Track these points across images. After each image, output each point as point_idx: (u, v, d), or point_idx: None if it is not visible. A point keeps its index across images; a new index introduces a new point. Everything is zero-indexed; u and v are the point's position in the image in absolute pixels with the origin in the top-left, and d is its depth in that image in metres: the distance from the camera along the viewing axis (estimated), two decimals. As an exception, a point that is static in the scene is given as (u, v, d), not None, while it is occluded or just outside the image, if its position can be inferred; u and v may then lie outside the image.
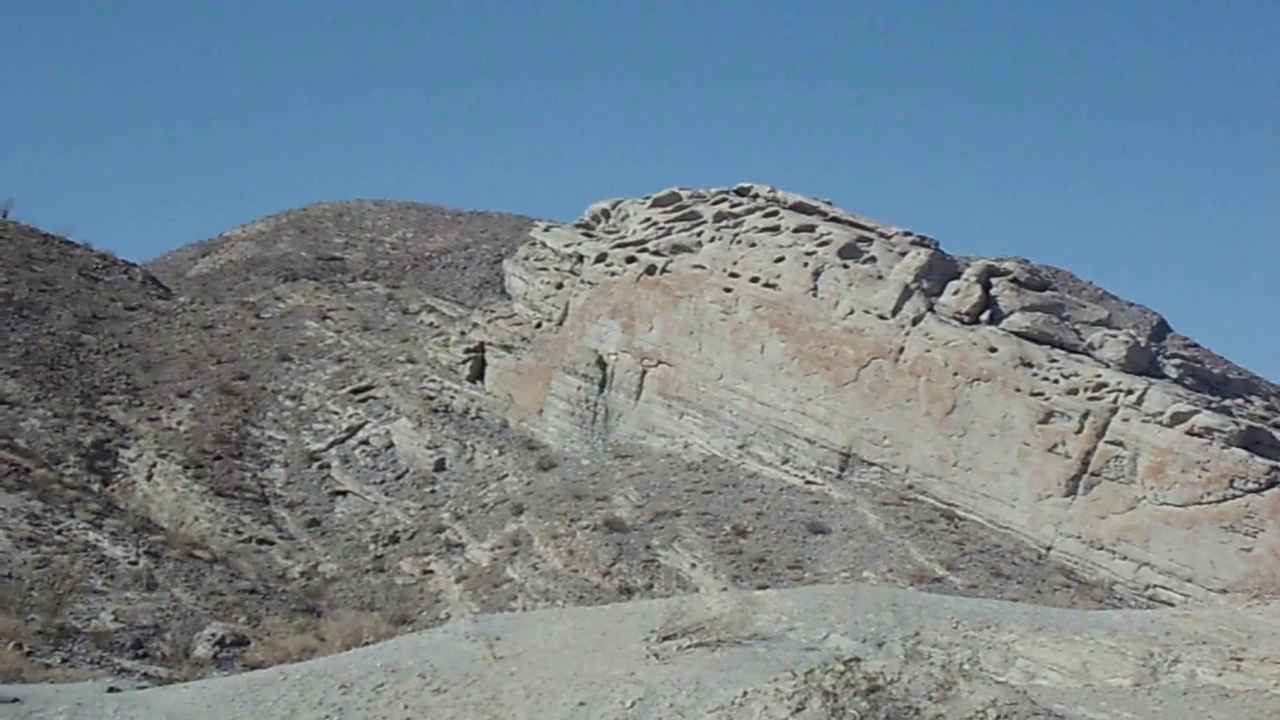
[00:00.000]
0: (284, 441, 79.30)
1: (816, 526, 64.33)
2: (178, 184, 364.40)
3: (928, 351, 68.72)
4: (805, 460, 70.56)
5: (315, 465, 77.61)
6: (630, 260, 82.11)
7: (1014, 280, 72.92)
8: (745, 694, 21.53)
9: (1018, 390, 65.77)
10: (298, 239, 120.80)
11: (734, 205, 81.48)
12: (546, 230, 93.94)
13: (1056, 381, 65.47)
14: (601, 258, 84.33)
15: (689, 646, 26.92)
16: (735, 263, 77.12)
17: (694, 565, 61.65)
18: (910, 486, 67.53)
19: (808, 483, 69.23)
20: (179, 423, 78.72)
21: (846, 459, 69.60)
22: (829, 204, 79.06)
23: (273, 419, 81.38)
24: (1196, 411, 62.38)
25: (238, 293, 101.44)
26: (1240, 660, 26.73)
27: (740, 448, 72.92)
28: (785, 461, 71.09)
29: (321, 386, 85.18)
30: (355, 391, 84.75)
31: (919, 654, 25.87)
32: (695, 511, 66.44)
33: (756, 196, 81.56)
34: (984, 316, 70.55)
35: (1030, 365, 66.36)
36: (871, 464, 68.95)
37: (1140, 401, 63.39)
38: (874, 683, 20.49)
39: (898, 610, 30.00)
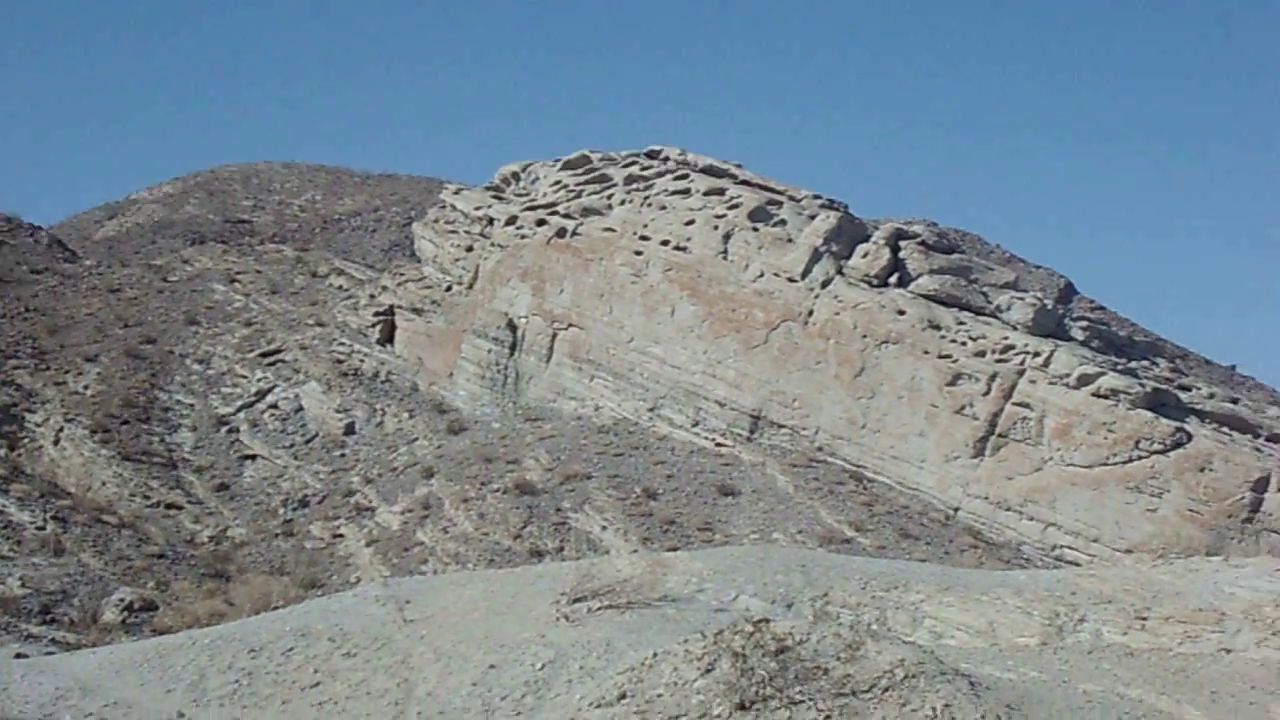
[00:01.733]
0: (192, 405, 78.67)
1: (726, 488, 64.54)
2: (84, 147, 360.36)
3: (837, 314, 69.01)
4: (715, 423, 70.74)
5: (224, 429, 77.03)
6: (540, 223, 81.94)
7: (922, 243, 73.28)
8: (655, 655, 21.62)
9: (926, 353, 66.17)
10: (205, 201, 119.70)
11: (644, 168, 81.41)
12: (456, 193, 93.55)
13: (964, 344, 65.91)
14: (512, 221, 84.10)
15: (599, 609, 26.96)
16: (645, 226, 77.11)
17: (604, 528, 61.72)
18: (819, 448, 67.86)
19: (718, 445, 69.41)
20: (86, 387, 77.89)
21: (756, 421, 69.84)
22: (739, 167, 79.15)
23: (180, 383, 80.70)
24: (1103, 373, 62.97)
25: (145, 256, 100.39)
26: (1145, 619, 27.04)
27: (651, 410, 73.01)
28: (695, 424, 71.26)
29: (230, 350, 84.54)
30: (264, 355, 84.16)
31: (827, 614, 26.08)
32: (606, 474, 66.50)
33: (667, 160, 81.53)
34: (892, 279, 70.88)
35: (938, 328, 66.77)
36: (781, 426, 69.22)
37: (1047, 364, 63.92)
38: (783, 643, 20.62)
39: (806, 571, 30.16)
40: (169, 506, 68.10)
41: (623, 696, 20.78)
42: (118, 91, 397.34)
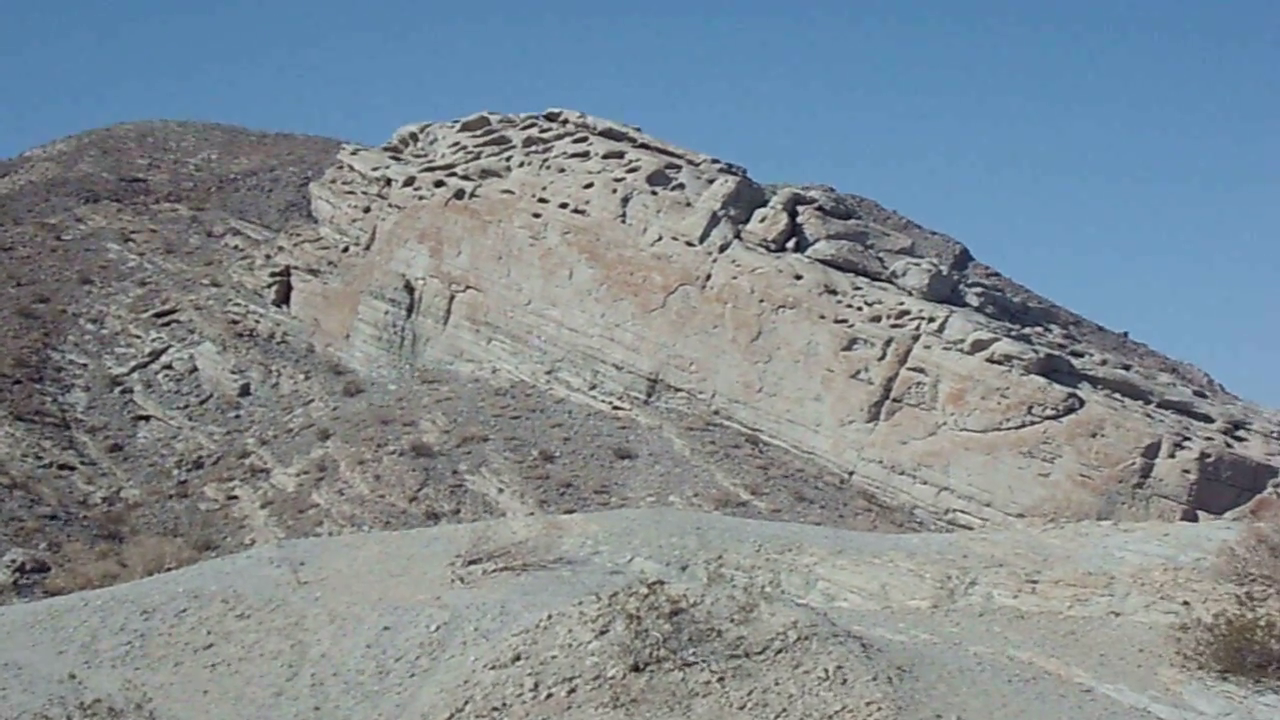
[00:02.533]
0: (85, 365, 78.01)
1: (623, 452, 64.76)
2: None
3: (734, 279, 69.23)
4: (612, 386, 70.89)
5: (117, 390, 76.45)
6: (439, 184, 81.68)
7: (819, 209, 73.66)
8: (550, 617, 21.65)
9: (822, 317, 66.52)
10: (100, 160, 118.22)
11: (543, 131, 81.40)
12: (354, 153, 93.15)
13: (860, 309, 66.34)
14: (410, 182, 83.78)
15: (494, 571, 26.97)
16: (544, 188, 77.05)
17: (501, 490, 61.78)
18: (716, 412, 68.14)
19: (615, 408, 69.58)
20: (-24, 346, 77.13)
21: (653, 385, 70.03)
22: (638, 130, 79.30)
23: (74, 343, 79.99)
24: (996, 339, 63.56)
25: (38, 214, 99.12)
26: (1035, 583, 27.31)
27: (548, 373, 73.05)
28: (593, 387, 71.37)
29: (124, 310, 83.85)
30: (158, 315, 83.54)
31: (721, 577, 26.18)
32: (503, 437, 66.54)
33: (566, 122, 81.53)
34: (790, 244, 71.22)
35: (835, 293, 67.14)
36: (678, 390, 69.44)
37: (941, 329, 64.45)
38: (677, 605, 20.69)
39: (701, 534, 30.25)
40: (62, 467, 67.54)
41: (517, 658, 20.80)
42: (10, 47, 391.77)
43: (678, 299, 70.47)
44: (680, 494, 60.56)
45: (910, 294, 67.63)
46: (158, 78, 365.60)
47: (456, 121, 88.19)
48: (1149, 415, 61.54)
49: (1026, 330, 69.05)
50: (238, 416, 74.94)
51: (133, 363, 78.79)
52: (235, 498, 65.30)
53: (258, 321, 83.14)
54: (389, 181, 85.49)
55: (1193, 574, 26.65)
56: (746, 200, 73.42)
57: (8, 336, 78.47)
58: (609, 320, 72.01)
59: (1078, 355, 67.29)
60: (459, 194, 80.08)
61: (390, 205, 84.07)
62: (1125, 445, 59.21)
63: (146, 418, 74.49)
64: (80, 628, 25.44)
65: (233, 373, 78.20)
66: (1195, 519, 53.29)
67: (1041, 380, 61.79)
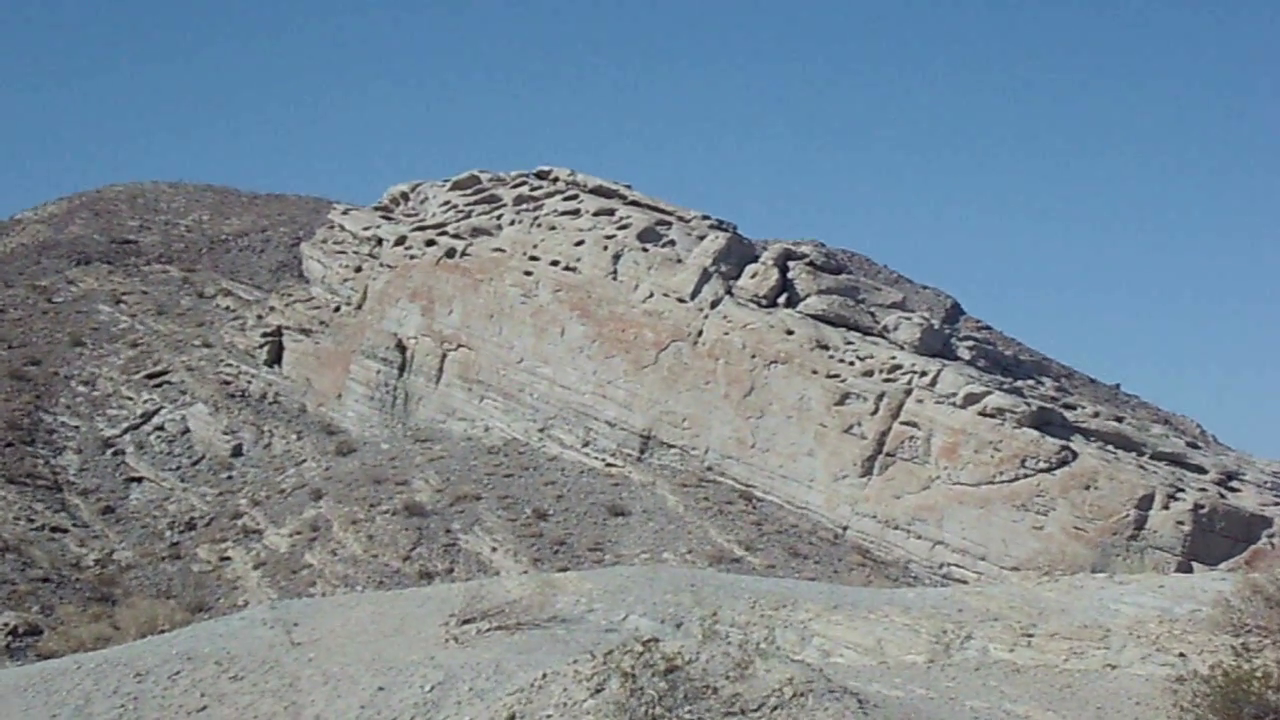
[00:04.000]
0: (77, 428, 77.93)
1: (617, 509, 64.69)
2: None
3: (726, 334, 69.31)
4: (605, 443, 70.88)
5: (109, 451, 76.34)
6: (430, 243, 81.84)
7: (810, 264, 73.82)
8: (545, 676, 21.63)
9: (814, 372, 66.57)
10: (91, 221, 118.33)
11: (534, 188, 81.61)
12: (345, 213, 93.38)
13: (852, 364, 66.38)
14: (400, 241, 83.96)
15: (488, 630, 26.96)
16: (535, 246, 77.21)
17: (495, 549, 61.68)
18: (709, 468, 68.11)
19: (608, 465, 69.54)
20: (-32, 409, 77.04)
21: (646, 441, 70.01)
22: (628, 187, 79.51)
23: (65, 405, 79.92)
24: (989, 392, 63.59)
25: (29, 276, 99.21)
26: (1031, 636, 27.32)
27: (541, 431, 73.04)
28: (585, 444, 71.35)
29: (115, 371, 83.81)
30: (150, 376, 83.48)
31: (716, 633, 26.12)
32: (496, 495, 66.48)
33: (556, 180, 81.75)
34: (781, 299, 71.35)
35: (826, 347, 67.21)
36: (671, 446, 69.43)
37: (934, 383, 64.48)
38: (672, 663, 20.66)
39: (696, 591, 30.27)
40: (54, 530, 67.36)
41: (512, 718, 20.79)
42: (2, 111, 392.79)
43: (670, 355, 70.53)
44: (674, 551, 60.46)
45: (902, 348, 67.69)
46: (148, 139, 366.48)
47: (447, 180, 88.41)
48: (1142, 467, 61.53)
49: (1019, 383, 69.05)
50: (230, 477, 74.82)
51: (125, 424, 78.70)
52: (228, 559, 65.15)
53: (250, 382, 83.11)
54: (380, 241, 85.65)
55: (1188, 626, 26.66)
56: (737, 256, 73.57)
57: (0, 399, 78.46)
58: (601, 377, 72.05)
59: (1070, 408, 67.29)
60: (450, 253, 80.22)
61: (381, 264, 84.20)
62: (1119, 497, 59.15)
63: (139, 479, 74.37)
64: (73, 691, 25.39)
65: (225, 433, 78.13)
66: (1190, 570, 53.21)
67: (1034, 433, 61.78)
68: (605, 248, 74.59)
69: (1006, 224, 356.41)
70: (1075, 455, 60.98)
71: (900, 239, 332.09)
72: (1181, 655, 25.24)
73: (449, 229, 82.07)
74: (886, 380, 65.30)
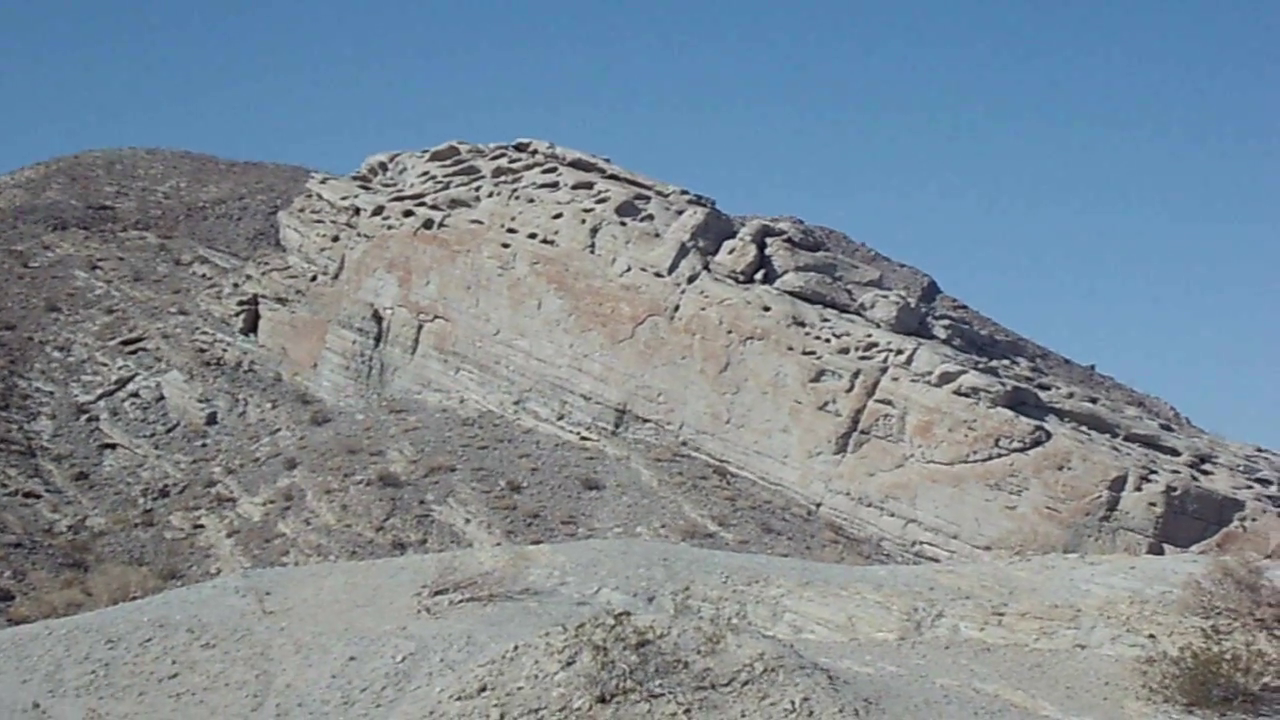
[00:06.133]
0: (52, 393, 77.71)
1: (591, 482, 64.75)
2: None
3: (703, 310, 69.30)
4: (581, 416, 70.87)
5: (84, 417, 76.14)
6: (408, 214, 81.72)
7: (788, 240, 73.82)
8: (516, 648, 21.59)
9: (790, 349, 66.60)
10: (68, 187, 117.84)
11: (513, 161, 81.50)
12: (323, 182, 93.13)
13: (828, 341, 66.43)
14: (378, 211, 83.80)
15: (461, 601, 26.93)
16: (513, 218, 77.11)
17: (468, 520, 61.70)
18: (684, 443, 68.16)
19: (583, 439, 69.55)
20: (-59, 373, 76.80)
21: (621, 415, 70.02)
22: (607, 161, 79.44)
23: (40, 370, 79.69)
24: (964, 372, 63.70)
25: (5, 241, 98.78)
26: (1001, 615, 27.36)
27: (516, 403, 73.02)
28: (561, 418, 71.35)
29: (91, 338, 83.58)
30: (125, 343, 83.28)
31: (688, 608, 26.16)
32: (470, 467, 66.47)
33: (535, 153, 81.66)
34: (758, 276, 71.33)
35: (803, 324, 67.24)
36: (646, 420, 69.45)
37: (909, 361, 64.56)
38: (644, 636, 20.66)
39: (668, 565, 30.26)
40: (27, 495, 67.22)
41: (483, 689, 20.74)
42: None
43: (646, 330, 70.51)
44: (648, 525, 60.54)
45: (878, 326, 67.77)
46: (126, 105, 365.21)
47: (426, 151, 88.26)
48: (1116, 448, 61.70)
49: (994, 363, 69.19)
50: (204, 445, 74.69)
51: (99, 390, 78.49)
52: (201, 527, 65.10)
53: (225, 350, 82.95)
54: (358, 211, 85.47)
55: (1159, 607, 26.72)
56: (715, 232, 73.55)
57: (-27, 363, 78.22)
58: (577, 351, 72.02)
59: (1045, 388, 67.45)
60: (428, 224, 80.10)
61: (359, 234, 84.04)
62: (1092, 478, 59.32)
63: (113, 446, 74.19)
64: (44, 657, 25.33)
65: (199, 401, 77.98)
66: (1161, 552, 53.44)
67: (1009, 413, 61.92)
68: (583, 221, 74.52)
69: (984, 203, 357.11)
70: (1049, 436, 61.14)
71: (878, 217, 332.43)
72: (1151, 636, 25.31)
73: (427, 200, 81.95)
74: (862, 358, 65.37)
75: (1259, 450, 67.43)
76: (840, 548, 60.33)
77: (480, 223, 78.37)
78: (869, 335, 66.27)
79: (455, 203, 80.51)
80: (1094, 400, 69.13)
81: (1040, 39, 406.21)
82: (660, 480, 64.79)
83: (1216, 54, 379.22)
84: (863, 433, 64.29)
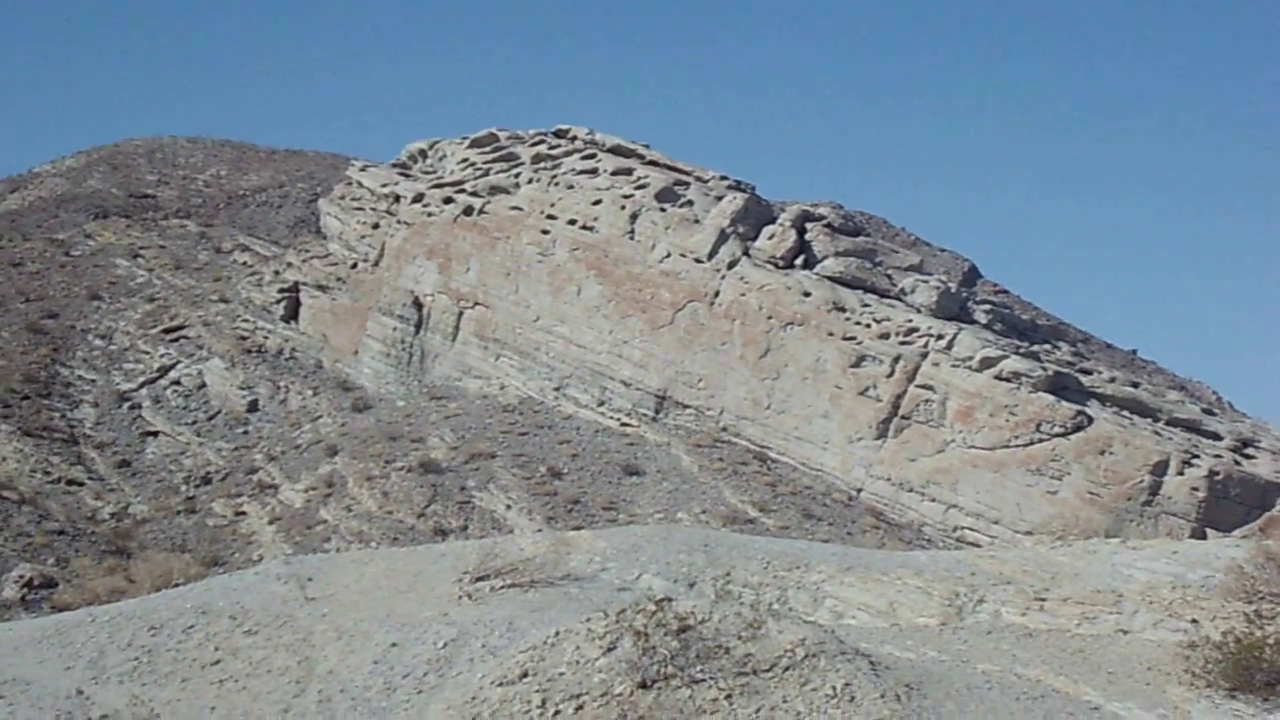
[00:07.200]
0: (94, 381, 78.01)
1: (631, 468, 64.77)
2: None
3: (742, 295, 69.23)
4: (621, 402, 70.89)
5: (126, 405, 76.42)
6: (447, 201, 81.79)
7: (828, 225, 73.68)
8: (557, 634, 21.64)
9: (830, 334, 66.50)
10: (109, 175, 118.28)
11: (552, 147, 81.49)
12: (363, 170, 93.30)
13: (868, 326, 66.30)
14: (418, 198, 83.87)
15: (502, 587, 26.95)
16: (553, 205, 77.12)
17: (509, 506, 61.75)
18: (724, 429, 68.11)
19: (623, 425, 69.57)
20: (-15, 361, 77.15)
21: (661, 401, 70.01)
22: (647, 147, 79.35)
23: (82, 358, 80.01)
24: (1005, 356, 63.49)
25: (47, 230, 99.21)
26: (1043, 600, 27.30)
27: (556, 390, 73.06)
28: (601, 403, 71.37)
29: (132, 326, 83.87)
30: (167, 331, 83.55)
31: (729, 594, 26.12)
32: (511, 453, 66.53)
33: (574, 139, 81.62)
34: (798, 261, 71.22)
35: (843, 310, 67.12)
36: (686, 406, 69.42)
37: (950, 346, 64.38)
38: (685, 622, 20.68)
39: (709, 551, 30.26)
40: (70, 483, 67.49)
41: (525, 675, 20.80)
42: (21, 63, 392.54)
43: (686, 315, 70.48)
44: (688, 511, 60.55)
45: (919, 311, 67.59)
46: (167, 94, 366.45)
47: (465, 138, 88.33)
48: (1157, 433, 61.45)
49: (1035, 348, 68.93)
50: (246, 432, 74.92)
51: (141, 379, 78.79)
52: (243, 514, 65.28)
53: (266, 338, 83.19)
54: (398, 198, 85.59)
55: (1201, 592, 26.64)
56: (755, 217, 73.43)
57: (16, 352, 78.49)
58: (617, 337, 72.02)
59: (1086, 373, 67.18)
60: (467, 210, 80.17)
61: (399, 222, 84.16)
62: (1134, 463, 59.12)
63: (155, 433, 74.45)
64: (88, 643, 25.44)
65: (241, 389, 78.22)
66: (1204, 537, 53.21)
67: (1050, 398, 61.72)
68: (623, 207, 74.48)
69: (1025, 188, 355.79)
70: (1090, 420, 60.93)
71: (919, 201, 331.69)
72: (1194, 621, 25.23)
73: (467, 187, 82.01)
74: (903, 343, 65.23)
75: (1302, 434, 67.09)
76: (881, 533, 60.24)
77: (520, 209, 78.42)
78: (909, 320, 66.11)
79: (495, 189, 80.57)
80: (1136, 385, 68.81)
81: (1082, 30, 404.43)
82: (700, 466, 64.78)
83: (1251, 47, 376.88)
84: (903, 418, 64.16)
